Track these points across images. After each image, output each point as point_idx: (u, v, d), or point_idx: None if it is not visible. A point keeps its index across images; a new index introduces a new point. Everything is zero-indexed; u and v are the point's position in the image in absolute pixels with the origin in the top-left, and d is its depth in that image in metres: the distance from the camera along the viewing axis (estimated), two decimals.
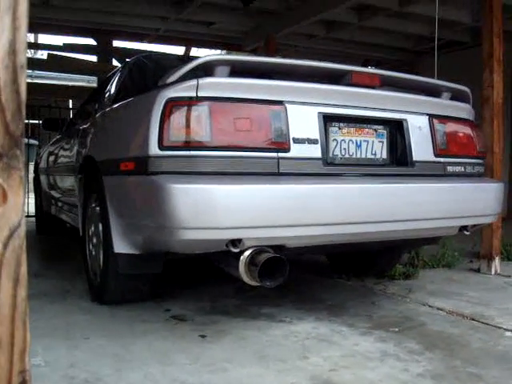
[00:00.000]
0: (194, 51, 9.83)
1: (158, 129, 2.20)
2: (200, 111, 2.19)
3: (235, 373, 2.08)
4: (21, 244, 0.74)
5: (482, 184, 2.96)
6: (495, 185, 3.02)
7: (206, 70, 2.28)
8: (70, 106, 11.49)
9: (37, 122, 9.64)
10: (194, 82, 2.21)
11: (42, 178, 5.67)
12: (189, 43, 8.91)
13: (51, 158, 5.02)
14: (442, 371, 2.11)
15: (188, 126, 2.17)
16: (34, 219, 6.57)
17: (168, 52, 5.35)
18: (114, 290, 2.87)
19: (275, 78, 2.46)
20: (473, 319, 2.81)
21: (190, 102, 2.20)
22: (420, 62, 8.95)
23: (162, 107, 2.21)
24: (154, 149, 2.20)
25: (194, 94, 2.21)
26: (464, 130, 2.97)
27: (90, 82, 11.79)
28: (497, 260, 4.07)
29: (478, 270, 4.11)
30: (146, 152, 2.23)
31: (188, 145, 2.17)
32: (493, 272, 4.03)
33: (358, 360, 2.23)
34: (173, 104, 2.20)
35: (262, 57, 2.80)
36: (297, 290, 3.44)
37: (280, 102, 2.35)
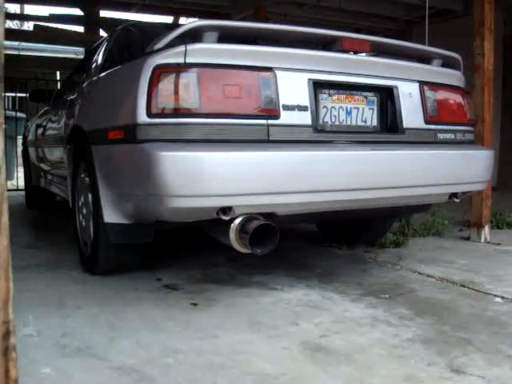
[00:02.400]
0: (183, 21, 9.71)
1: (145, 96, 2.17)
2: (188, 78, 2.16)
3: (226, 339, 2.09)
4: (1, 192, 0.72)
5: (471, 151, 2.96)
6: (485, 152, 3.01)
7: (195, 36, 2.24)
8: (58, 78, 11.34)
9: (24, 95, 9.53)
10: (181, 49, 2.18)
11: (31, 150, 5.61)
12: (177, 12, 8.79)
13: (39, 130, 4.97)
14: (432, 336, 2.13)
15: (176, 92, 2.14)
16: (23, 193, 6.54)
17: (156, 21, 5.28)
18: (104, 260, 2.86)
19: (265, 44, 2.43)
20: (462, 286, 2.84)
21: (178, 68, 2.17)
22: (411, 32, 8.89)
23: (149, 74, 2.18)
24: (142, 116, 2.18)
25: (182, 61, 2.17)
26: (455, 97, 2.96)
27: (79, 54, 11.63)
28: (486, 228, 4.09)
29: (467, 238, 4.14)
30: (134, 120, 2.20)
31: (176, 112, 2.15)
32: (482, 240, 4.06)
33: (348, 326, 2.25)
34: (161, 71, 2.17)
35: (251, 22, 2.77)
36: (288, 258, 3.46)
37: (269, 69, 2.32)
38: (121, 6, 8.51)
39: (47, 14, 8.79)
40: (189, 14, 8.63)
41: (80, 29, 8.97)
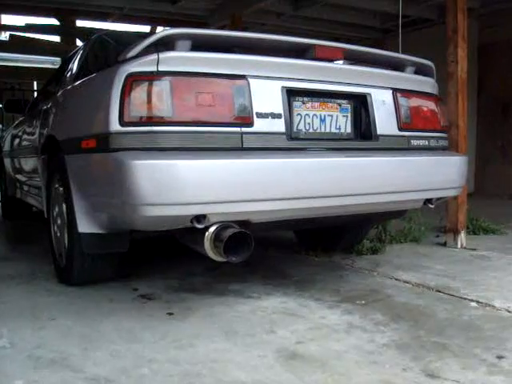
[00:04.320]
0: (161, 30, 9.64)
1: (118, 104, 2.16)
2: (161, 86, 2.15)
3: (203, 348, 2.08)
4: None
5: (445, 157, 2.98)
6: (458, 158, 3.04)
7: (168, 44, 2.24)
8: (35, 88, 11.25)
9: (0, 105, 9.43)
10: (154, 57, 2.17)
11: (6, 161, 5.55)
12: (154, 22, 8.77)
13: (15, 141, 4.92)
14: (408, 341, 2.15)
15: (149, 101, 2.14)
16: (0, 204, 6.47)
17: (132, 31, 5.27)
18: (79, 271, 2.83)
19: (238, 52, 2.44)
20: (438, 291, 2.86)
21: (150, 76, 2.16)
22: (388, 40, 8.98)
23: (122, 82, 2.17)
24: (114, 125, 2.16)
25: (155, 69, 2.17)
26: (428, 104, 2.98)
27: (55, 63, 11.56)
28: (462, 234, 4.13)
29: (444, 244, 4.17)
30: (106, 128, 2.19)
31: (149, 120, 2.14)
32: (459, 245, 4.09)
33: (324, 332, 2.25)
34: (133, 79, 2.16)
35: (225, 30, 2.78)
36: (265, 266, 3.45)
37: (243, 77, 2.32)
38: (97, 16, 8.47)
39: (23, 24, 8.73)
40: (166, 24, 8.62)
41: (56, 39, 8.92)
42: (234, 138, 2.27)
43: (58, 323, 2.37)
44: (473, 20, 7.08)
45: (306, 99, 2.54)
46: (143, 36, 2.47)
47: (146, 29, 9.25)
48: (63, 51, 7.74)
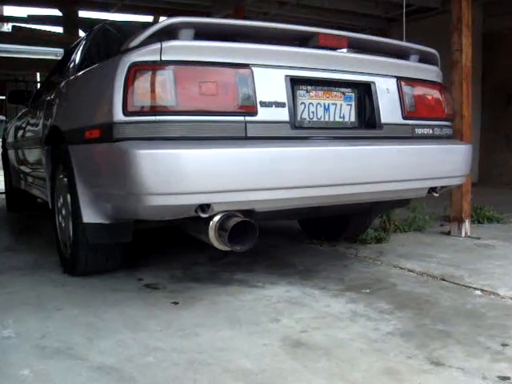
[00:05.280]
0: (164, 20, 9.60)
1: (122, 94, 2.15)
2: (164, 75, 2.15)
3: (207, 337, 2.09)
4: None
5: (449, 146, 2.97)
6: (463, 146, 3.03)
7: (171, 33, 2.23)
8: (38, 80, 11.24)
9: (3, 97, 9.42)
10: (157, 46, 2.17)
11: (10, 153, 5.56)
12: (156, 12, 8.75)
13: (18, 132, 4.92)
14: (412, 329, 2.15)
15: (152, 90, 2.13)
16: (4, 196, 6.48)
17: (135, 21, 5.25)
18: (84, 261, 2.84)
19: (241, 41, 2.43)
20: (443, 279, 2.86)
21: (153, 66, 2.15)
22: (392, 29, 8.94)
23: (125, 72, 2.16)
24: (118, 115, 2.16)
25: (158, 58, 2.16)
26: (432, 92, 2.97)
27: (59, 55, 11.55)
28: (467, 223, 4.12)
29: (448, 233, 4.17)
30: (110, 118, 2.19)
31: (153, 110, 2.14)
32: (463, 234, 4.08)
33: (329, 321, 2.25)
34: (136, 68, 2.16)
35: (228, 19, 2.76)
36: (269, 255, 3.46)
37: (246, 65, 2.31)
38: (100, 7, 8.45)
39: (25, 15, 8.72)
40: (168, 14, 8.59)
41: (59, 30, 8.90)
42: (238, 127, 2.27)
43: (63, 313, 2.38)
44: (477, 8, 7.03)
45: (309, 88, 2.52)
46: (146, 26, 2.46)
47: (149, 19, 9.24)
48: (66, 42, 7.74)
